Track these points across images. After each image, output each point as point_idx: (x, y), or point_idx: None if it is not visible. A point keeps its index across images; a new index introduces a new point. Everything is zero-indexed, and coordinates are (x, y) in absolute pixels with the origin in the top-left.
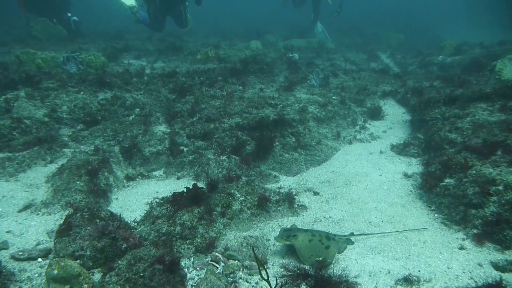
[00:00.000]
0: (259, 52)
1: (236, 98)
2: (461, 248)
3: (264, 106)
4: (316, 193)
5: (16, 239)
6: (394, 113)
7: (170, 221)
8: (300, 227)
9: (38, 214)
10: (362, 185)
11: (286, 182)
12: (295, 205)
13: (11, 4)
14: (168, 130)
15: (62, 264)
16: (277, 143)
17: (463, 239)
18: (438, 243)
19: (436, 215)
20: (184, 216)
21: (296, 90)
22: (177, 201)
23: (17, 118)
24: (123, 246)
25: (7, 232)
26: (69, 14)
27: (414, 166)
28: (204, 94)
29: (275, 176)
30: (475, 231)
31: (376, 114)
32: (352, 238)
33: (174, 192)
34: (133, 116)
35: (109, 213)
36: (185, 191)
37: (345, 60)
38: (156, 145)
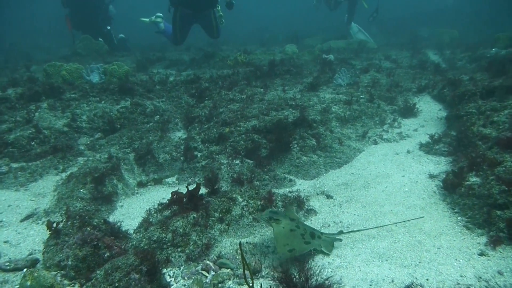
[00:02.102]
0: (292, 55)
1: (256, 100)
2: (481, 254)
3: (284, 107)
4: (329, 197)
5: (11, 249)
6: (429, 110)
7: (163, 227)
8: (290, 215)
9: (38, 223)
10: (381, 187)
11: (301, 186)
12: (304, 210)
13: (61, 24)
14: (185, 136)
15: (36, 275)
16: (295, 146)
17: (485, 244)
18: (455, 249)
19: (459, 218)
20: (178, 223)
21: (321, 90)
22: (173, 206)
23: (37, 128)
24: (105, 255)
25: (5, 242)
26: (108, 27)
27: (442, 165)
28: (223, 98)
29: (290, 180)
30: (500, 234)
31: (408, 111)
32: (341, 236)
33: (170, 198)
34: (152, 123)
35: (102, 221)
36: (178, 196)
37: (385, 59)
38: (171, 151)
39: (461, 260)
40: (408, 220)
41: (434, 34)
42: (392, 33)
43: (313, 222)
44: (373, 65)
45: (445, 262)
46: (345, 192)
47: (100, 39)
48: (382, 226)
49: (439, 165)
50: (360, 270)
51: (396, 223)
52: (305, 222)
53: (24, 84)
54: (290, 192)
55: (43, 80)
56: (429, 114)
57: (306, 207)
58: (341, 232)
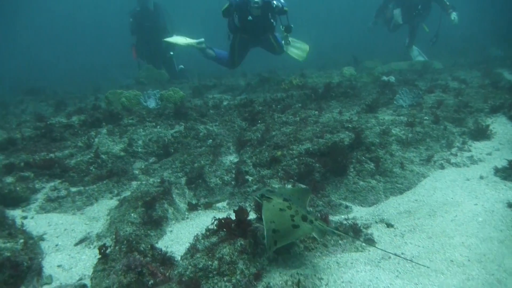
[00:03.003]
0: (349, 78)
1: (310, 123)
2: None
3: (340, 130)
4: (389, 225)
5: (63, 274)
6: (505, 132)
7: (209, 254)
8: (285, 194)
9: (90, 247)
10: (449, 216)
11: (358, 213)
12: (361, 239)
13: (128, 55)
14: (237, 160)
15: None
16: (351, 170)
17: None
18: None
19: None
20: (224, 250)
21: (380, 112)
22: (221, 232)
23: (96, 153)
24: (150, 282)
25: (58, 266)
26: (172, 53)
27: None
28: (276, 121)
29: (346, 207)
30: None
31: (480, 134)
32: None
33: (218, 223)
34: (204, 147)
35: (149, 246)
36: (227, 221)
37: (452, 79)
38: (222, 176)
39: None
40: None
41: (509, 52)
42: (460, 53)
43: (370, 254)
44: (438, 86)
45: None
46: (407, 221)
47: (162, 70)
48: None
49: None
50: None
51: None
52: (362, 253)
53: (88, 112)
54: (346, 219)
55: (105, 107)
56: (505, 136)
57: (364, 236)
58: (336, 228)
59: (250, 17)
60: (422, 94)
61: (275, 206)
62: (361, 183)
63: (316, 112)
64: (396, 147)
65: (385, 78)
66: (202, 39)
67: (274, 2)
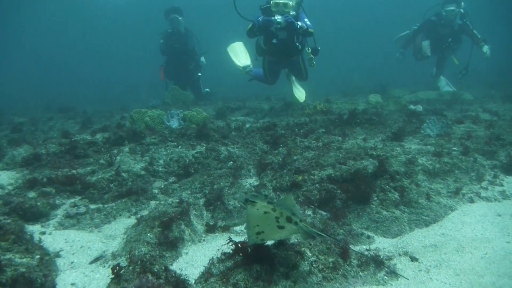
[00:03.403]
0: (375, 105)
1: (333, 149)
2: None
3: (364, 157)
4: (414, 259)
5: None
6: None
7: (224, 279)
8: (270, 198)
9: (105, 266)
10: (479, 253)
11: (381, 244)
12: (383, 272)
13: (156, 76)
14: (257, 183)
15: None
16: (374, 198)
17: None
18: None
19: None
20: (239, 275)
21: (406, 141)
22: (237, 256)
23: (117, 171)
24: None
25: (72, 284)
26: (199, 74)
27: None
28: (298, 145)
29: (368, 237)
30: None
31: None
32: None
33: (235, 247)
34: (225, 169)
35: (163, 268)
36: (244, 245)
37: (483, 111)
38: (240, 198)
39: None
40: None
41: None
42: (491, 85)
43: None
44: (468, 117)
45: None
46: (433, 255)
47: (187, 91)
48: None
49: None
50: None
51: None
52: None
53: (112, 130)
54: (367, 250)
55: (129, 125)
56: None
57: (387, 269)
58: (321, 231)
59: (275, 40)
60: (451, 125)
61: (260, 209)
62: (385, 213)
63: (340, 138)
64: (422, 177)
65: (412, 106)
66: (249, 65)
67: (299, 23)
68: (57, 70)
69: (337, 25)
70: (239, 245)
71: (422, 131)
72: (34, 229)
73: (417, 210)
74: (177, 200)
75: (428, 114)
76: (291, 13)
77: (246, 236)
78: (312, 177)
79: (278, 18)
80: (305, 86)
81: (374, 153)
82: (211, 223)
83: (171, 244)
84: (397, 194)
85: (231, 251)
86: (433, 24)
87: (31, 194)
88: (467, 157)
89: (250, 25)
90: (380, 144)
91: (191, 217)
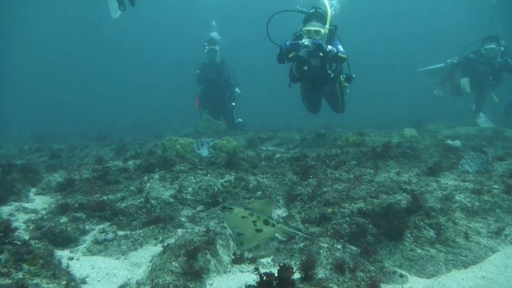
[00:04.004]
0: (410, 139)
1: (365, 182)
2: None
3: (397, 191)
4: None
5: None
6: None
7: None
8: (247, 204)
9: None
10: None
11: (415, 284)
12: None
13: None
14: (285, 214)
15: None
16: (408, 235)
17: None
18: None
19: None
20: None
21: (442, 176)
22: None
23: (146, 198)
24: None
25: None
26: (233, 104)
27: None
28: (328, 177)
29: (401, 276)
30: None
31: None
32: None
33: (259, 280)
34: (253, 198)
35: None
36: (270, 278)
37: None
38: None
39: None
40: None
41: None
42: None
43: None
44: (511, 154)
45: None
46: None
47: (220, 121)
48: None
49: None
50: None
51: None
52: None
53: (143, 157)
54: None
55: (160, 153)
56: None
57: None
58: (298, 230)
59: (306, 67)
60: (492, 161)
61: (237, 215)
62: (419, 250)
63: (372, 171)
64: (460, 215)
65: (449, 142)
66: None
67: (329, 46)
68: (97, 99)
69: (372, 57)
70: (264, 277)
71: (460, 167)
72: (62, 254)
73: (455, 250)
74: (204, 229)
75: (466, 150)
76: (323, 41)
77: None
78: (342, 210)
79: (306, 41)
80: (338, 117)
81: (408, 187)
82: (238, 254)
83: (196, 274)
84: (432, 231)
85: (255, 284)
86: (472, 62)
87: (63, 219)
88: (509, 196)
89: (279, 50)
90: (414, 178)
91: (218, 247)
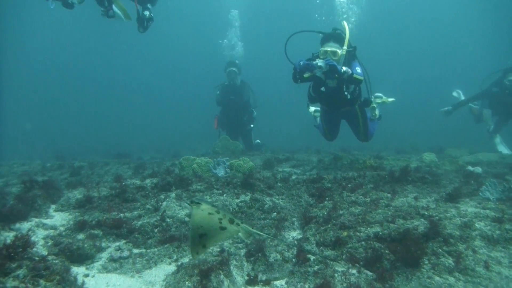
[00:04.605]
0: (429, 164)
1: (382, 206)
2: None
3: (414, 216)
4: None
5: None
6: None
7: None
8: (216, 203)
9: None
10: None
11: None
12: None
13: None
14: (300, 236)
15: None
16: (425, 262)
17: None
18: None
19: None
20: None
21: (461, 203)
22: None
23: (162, 216)
24: None
25: None
26: (252, 125)
27: None
28: (344, 200)
29: None
30: None
31: None
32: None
33: None
34: (268, 219)
35: None
36: None
37: None
38: (283, 251)
39: None
40: None
41: None
42: None
43: None
44: None
45: None
46: None
47: (237, 141)
48: None
49: None
50: None
51: None
52: None
53: (160, 175)
54: None
55: (177, 172)
56: None
57: None
58: (260, 230)
59: (323, 88)
60: None
61: (204, 210)
62: (437, 278)
63: (389, 195)
64: (480, 243)
65: (470, 168)
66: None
67: (343, 68)
68: (117, 115)
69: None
70: None
71: (480, 194)
72: (79, 270)
73: (474, 279)
74: (218, 249)
75: (488, 177)
76: (340, 62)
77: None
78: (358, 233)
79: (319, 61)
80: (356, 141)
81: (426, 213)
82: (252, 276)
83: None
84: (451, 259)
85: None
86: (496, 95)
87: (80, 236)
88: None
89: (293, 69)
90: (433, 204)
91: (231, 267)
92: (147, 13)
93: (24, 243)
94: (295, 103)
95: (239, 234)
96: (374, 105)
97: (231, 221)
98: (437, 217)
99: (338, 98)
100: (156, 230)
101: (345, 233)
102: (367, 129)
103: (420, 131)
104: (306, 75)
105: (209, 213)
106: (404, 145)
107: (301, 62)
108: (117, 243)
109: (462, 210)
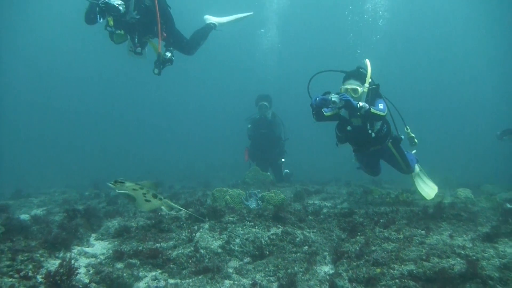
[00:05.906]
0: (465, 200)
1: (416, 243)
2: None
3: (450, 255)
4: None
5: None
6: None
7: None
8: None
9: None
10: None
11: None
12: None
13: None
14: (332, 271)
15: None
16: None
17: None
18: None
19: None
20: None
21: (500, 243)
22: None
23: (196, 247)
24: None
25: None
26: (283, 159)
27: None
28: (377, 236)
29: None
30: None
31: None
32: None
33: None
34: (299, 253)
35: None
36: None
37: None
38: (315, 286)
39: None
40: None
41: None
42: None
43: None
44: None
45: None
46: None
47: (267, 172)
48: None
49: None
50: None
51: None
52: None
53: (194, 206)
54: None
55: (210, 203)
56: None
57: None
58: (182, 206)
59: (349, 127)
60: None
61: (128, 187)
62: None
63: (423, 232)
64: None
65: (508, 205)
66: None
67: (360, 103)
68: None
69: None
70: None
71: None
72: None
73: None
74: (251, 282)
75: None
76: (362, 100)
77: None
78: (391, 271)
79: (334, 96)
80: (387, 171)
81: (462, 252)
82: None
83: None
84: None
85: None
86: None
87: (119, 265)
88: None
89: (310, 107)
90: (469, 243)
91: None
92: (168, 54)
93: (68, 271)
94: (325, 134)
95: (162, 207)
96: (412, 135)
97: (154, 196)
98: (474, 257)
99: (363, 137)
100: (190, 261)
101: (378, 270)
102: (407, 162)
103: (454, 164)
104: (328, 113)
105: (134, 189)
106: (438, 180)
107: (317, 98)
108: (153, 273)
109: (500, 251)
